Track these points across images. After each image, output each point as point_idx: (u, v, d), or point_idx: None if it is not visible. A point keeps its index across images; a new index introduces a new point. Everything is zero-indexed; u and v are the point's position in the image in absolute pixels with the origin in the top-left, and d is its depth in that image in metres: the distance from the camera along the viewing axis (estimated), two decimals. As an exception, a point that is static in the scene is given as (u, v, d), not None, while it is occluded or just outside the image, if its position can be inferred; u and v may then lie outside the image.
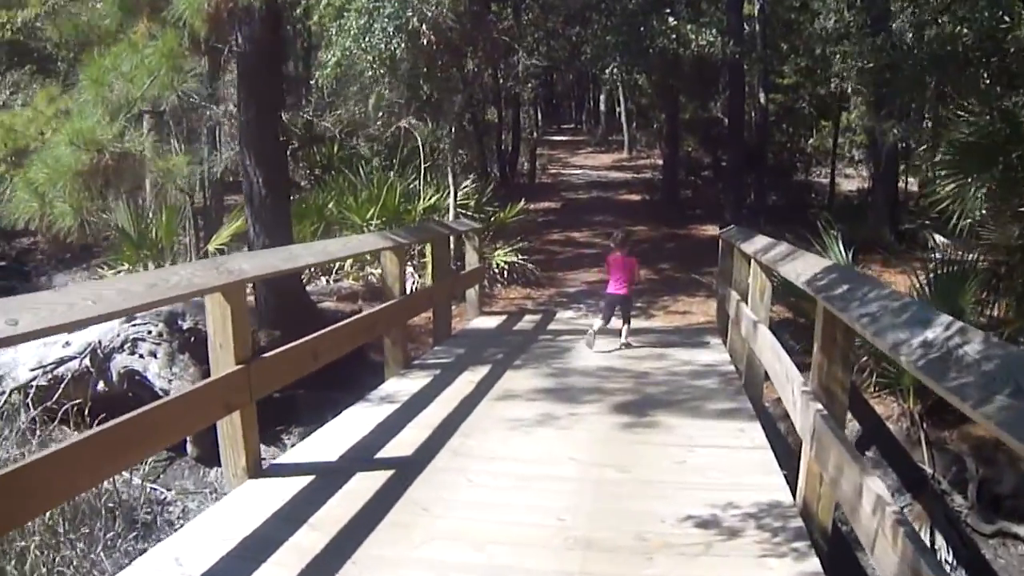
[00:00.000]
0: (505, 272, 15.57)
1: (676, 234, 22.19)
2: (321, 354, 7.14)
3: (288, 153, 25.90)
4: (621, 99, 43.35)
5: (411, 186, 16.19)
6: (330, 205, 15.77)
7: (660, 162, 30.56)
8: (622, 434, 7.14)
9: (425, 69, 13.69)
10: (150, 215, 14.84)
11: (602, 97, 51.47)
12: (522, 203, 17.62)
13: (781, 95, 27.37)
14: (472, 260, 13.28)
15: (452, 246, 13.98)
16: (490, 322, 12.85)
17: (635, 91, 36.12)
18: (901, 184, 22.13)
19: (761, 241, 8.81)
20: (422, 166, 16.10)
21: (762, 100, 25.15)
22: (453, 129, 15.57)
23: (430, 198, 15.61)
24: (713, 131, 27.24)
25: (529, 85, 24.36)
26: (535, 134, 38.98)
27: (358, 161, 19.83)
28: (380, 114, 20.82)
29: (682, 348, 10.86)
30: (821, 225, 13.55)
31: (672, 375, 9.28)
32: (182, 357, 9.97)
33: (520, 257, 15.79)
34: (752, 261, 8.71)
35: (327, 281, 14.42)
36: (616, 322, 11.02)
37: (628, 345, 10.87)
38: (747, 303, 8.99)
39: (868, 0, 20.95)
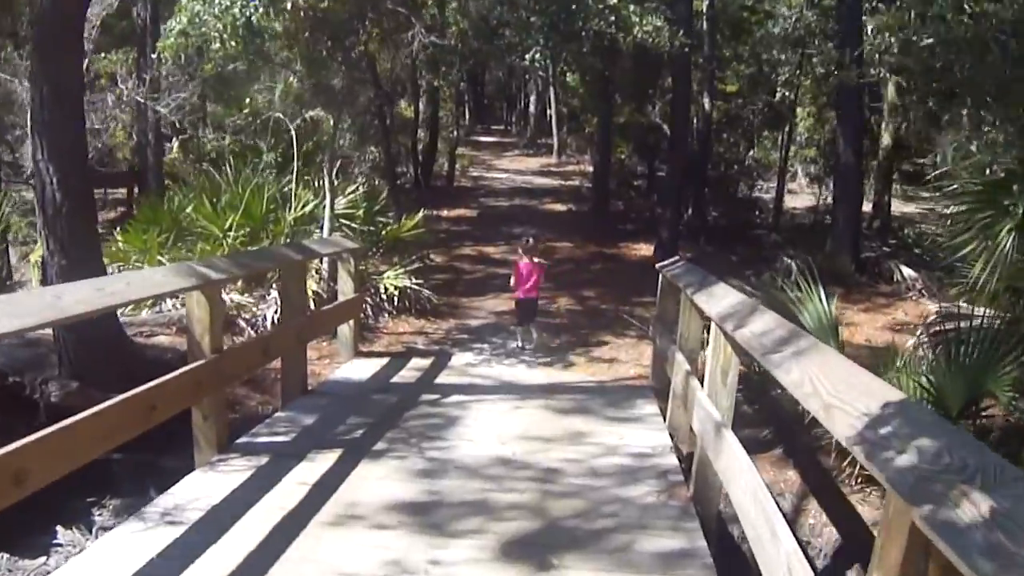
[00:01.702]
0: (395, 299, 12.76)
1: (604, 253, 19.56)
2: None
3: (174, 140, 23.37)
4: (552, 100, 41.09)
5: (287, 189, 13.23)
6: (188, 209, 12.82)
7: (590, 169, 28.07)
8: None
9: (290, 44, 10.90)
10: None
11: (532, 98, 49.26)
12: (420, 214, 14.76)
13: (722, 102, 24.88)
14: (346, 288, 10.48)
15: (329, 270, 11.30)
16: (364, 369, 10.04)
17: (566, 90, 33.81)
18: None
19: (726, 298, 6.22)
20: (295, 165, 13.13)
21: (706, 106, 22.61)
22: (337, 121, 12.62)
23: (303, 205, 12.67)
24: (650, 138, 24.70)
25: (445, 73, 21.62)
26: (456, 132, 36.32)
27: (252, 155, 17.07)
28: (286, 102, 18.30)
29: (607, 421, 8.20)
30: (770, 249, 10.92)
31: (592, 475, 6.57)
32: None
33: (413, 281, 12.98)
34: (713, 328, 6.00)
35: (172, 305, 11.48)
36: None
37: (530, 347, 11.75)
38: (701, 383, 6.28)
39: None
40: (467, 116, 56.70)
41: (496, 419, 8.02)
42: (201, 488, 5.97)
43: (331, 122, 12.39)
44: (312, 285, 11.44)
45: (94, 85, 21.90)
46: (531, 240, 12.48)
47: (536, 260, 12.00)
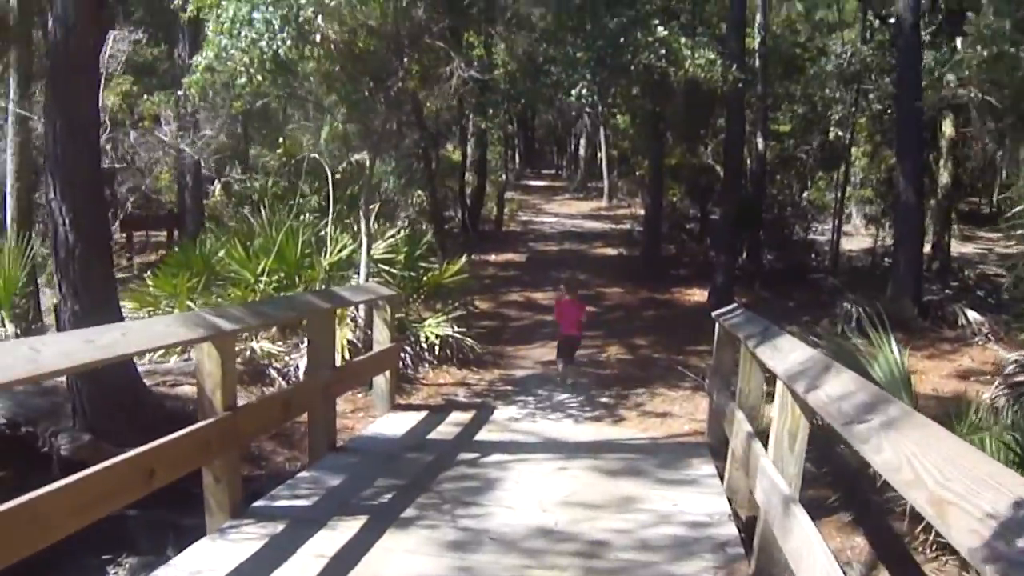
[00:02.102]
0: (436, 348, 12.13)
1: (656, 299, 18.87)
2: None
3: (216, 183, 23.05)
4: (602, 143, 40.59)
5: (324, 233, 12.67)
6: (220, 253, 12.32)
7: (641, 212, 27.36)
8: None
9: (328, 83, 10.39)
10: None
11: (582, 141, 48.71)
12: (464, 258, 14.12)
13: (775, 143, 24.17)
14: (382, 337, 9.87)
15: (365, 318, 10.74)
16: (400, 424, 9.41)
17: (616, 131, 33.22)
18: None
19: (793, 352, 5.55)
20: (331, 208, 12.57)
21: (760, 146, 21.93)
22: (373, 161, 12.04)
23: (340, 250, 12.09)
24: (703, 180, 23.98)
25: (492, 116, 21.14)
26: (505, 175, 35.83)
27: (292, 197, 16.62)
28: (331, 146, 17.87)
29: (659, 484, 7.51)
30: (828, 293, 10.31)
31: (642, 549, 5.88)
32: None
33: (456, 329, 12.35)
34: (780, 387, 5.32)
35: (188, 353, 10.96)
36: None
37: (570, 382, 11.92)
38: (766, 447, 5.58)
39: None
40: (517, 160, 56.47)
41: (538, 481, 7.37)
42: (207, 559, 5.37)
43: (390, 166, 11.84)
44: (347, 334, 10.88)
45: (138, 126, 21.83)
46: (569, 281, 13.36)
47: (576, 299, 12.52)
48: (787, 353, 5.57)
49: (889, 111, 20.71)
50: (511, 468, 7.69)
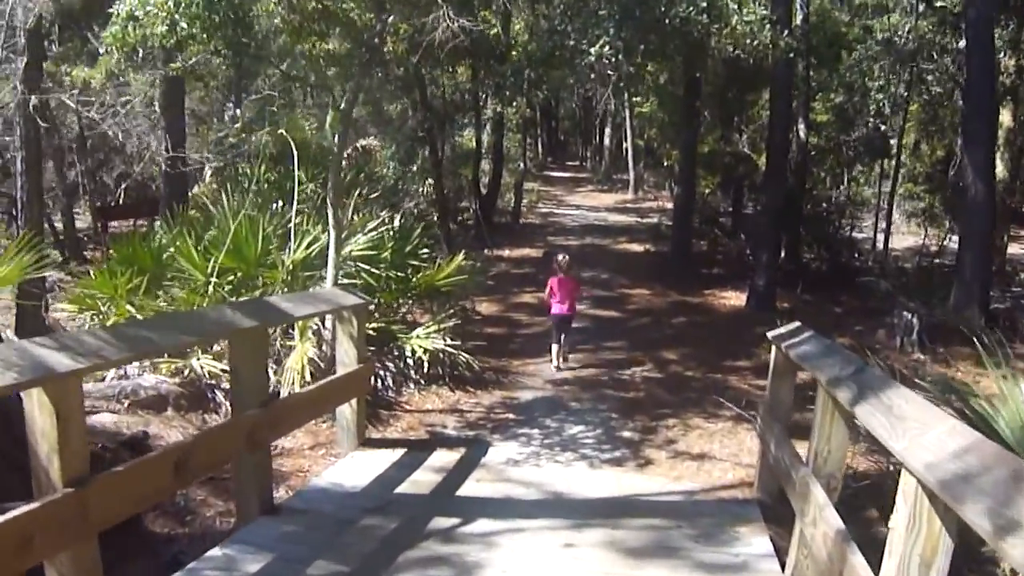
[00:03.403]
0: (425, 365, 10.05)
1: (688, 303, 16.73)
2: None
3: (206, 169, 21.14)
4: (628, 133, 38.69)
5: (296, 224, 10.54)
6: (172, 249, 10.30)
7: (668, 206, 25.31)
8: None
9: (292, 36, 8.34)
10: None
11: (607, 131, 46.69)
12: (461, 256, 11.92)
13: (813, 133, 22.01)
14: (347, 357, 7.80)
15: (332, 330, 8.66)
16: (365, 469, 7.37)
17: (642, 119, 31.30)
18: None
19: (932, 426, 3.53)
20: (294, 196, 10.40)
21: (802, 134, 19.72)
22: (345, 135, 9.81)
23: (308, 244, 9.93)
24: (739, 170, 21.84)
25: (509, 97, 19.17)
26: (523, 164, 33.86)
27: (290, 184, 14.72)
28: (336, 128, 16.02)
29: (698, 570, 5.50)
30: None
31: None
32: None
33: (449, 342, 10.25)
34: (917, 491, 3.27)
35: (126, 373, 8.93)
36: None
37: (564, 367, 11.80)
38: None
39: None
40: (539, 150, 54.91)
41: (535, 568, 5.35)
42: None
43: (333, 136, 9.64)
44: (308, 350, 8.82)
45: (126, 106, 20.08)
46: (565, 260, 12.39)
47: (572, 277, 12.39)
48: (916, 424, 3.54)
49: (952, 95, 18.54)
50: (499, 546, 5.67)
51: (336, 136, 9.47)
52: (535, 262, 20.48)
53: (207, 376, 8.74)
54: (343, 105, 9.19)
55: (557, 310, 11.87)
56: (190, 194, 19.67)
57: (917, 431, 3.49)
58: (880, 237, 22.04)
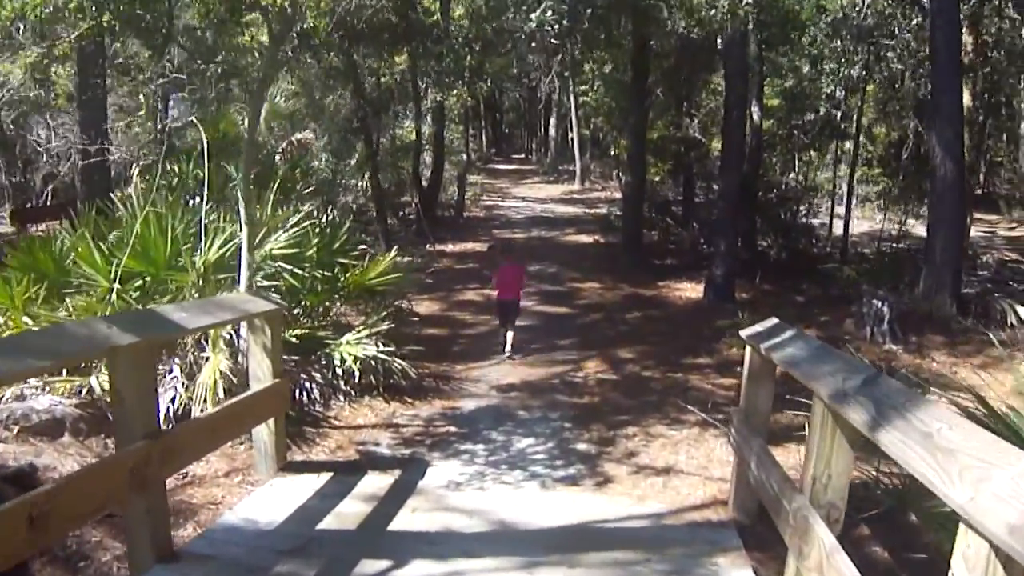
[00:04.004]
0: (357, 374, 9.01)
1: (642, 296, 15.82)
2: None
3: (134, 168, 20.02)
4: (573, 122, 37.99)
5: (210, 222, 9.43)
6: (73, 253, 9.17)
7: (617, 195, 24.49)
8: None
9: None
10: None
11: (552, 120, 46.07)
12: (393, 253, 10.86)
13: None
14: (261, 371, 6.78)
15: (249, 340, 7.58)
16: (284, 500, 6.36)
17: (587, 109, 30.59)
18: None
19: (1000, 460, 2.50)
20: (204, 189, 9.33)
21: (755, 117, 18.87)
22: (255, 117, 8.69)
23: (220, 245, 8.83)
24: (689, 156, 21.01)
25: (449, 84, 18.27)
26: (467, 156, 33.00)
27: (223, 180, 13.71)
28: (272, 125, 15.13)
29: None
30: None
31: None
32: None
33: (381, 348, 9.20)
34: (973, 544, 2.34)
35: (22, 393, 7.85)
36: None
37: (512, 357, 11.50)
38: None
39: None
40: (484, 143, 54.31)
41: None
42: None
43: (245, 120, 8.53)
44: (221, 362, 7.78)
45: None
46: (500, 245, 13.59)
47: (514, 262, 12.63)
48: (975, 462, 2.68)
49: (916, 71, 17.79)
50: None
51: (248, 123, 8.39)
52: (479, 256, 19.51)
53: (103, 395, 7.69)
54: (255, 86, 8.13)
55: (502, 295, 11.94)
56: (117, 194, 18.56)
57: (980, 473, 2.58)
58: (837, 223, 21.35)
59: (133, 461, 4.73)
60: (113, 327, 4.77)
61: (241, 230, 8.02)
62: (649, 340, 12.49)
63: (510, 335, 11.74)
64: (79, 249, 8.88)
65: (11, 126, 22.76)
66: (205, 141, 9.35)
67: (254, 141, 8.39)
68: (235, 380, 7.64)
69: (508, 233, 23.62)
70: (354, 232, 11.27)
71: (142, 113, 19.25)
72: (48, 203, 21.88)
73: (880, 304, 13.00)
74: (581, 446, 8.09)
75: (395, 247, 11.60)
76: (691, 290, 15.97)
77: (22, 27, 8.94)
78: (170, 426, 7.45)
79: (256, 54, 9.86)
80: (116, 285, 8.42)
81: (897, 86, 20.58)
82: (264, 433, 6.89)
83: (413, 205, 23.45)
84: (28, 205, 21.88)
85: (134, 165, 19.84)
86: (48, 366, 4.96)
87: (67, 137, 18.91)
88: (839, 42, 19.75)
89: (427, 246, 19.82)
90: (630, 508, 6.61)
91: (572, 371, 10.87)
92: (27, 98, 21.47)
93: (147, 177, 16.02)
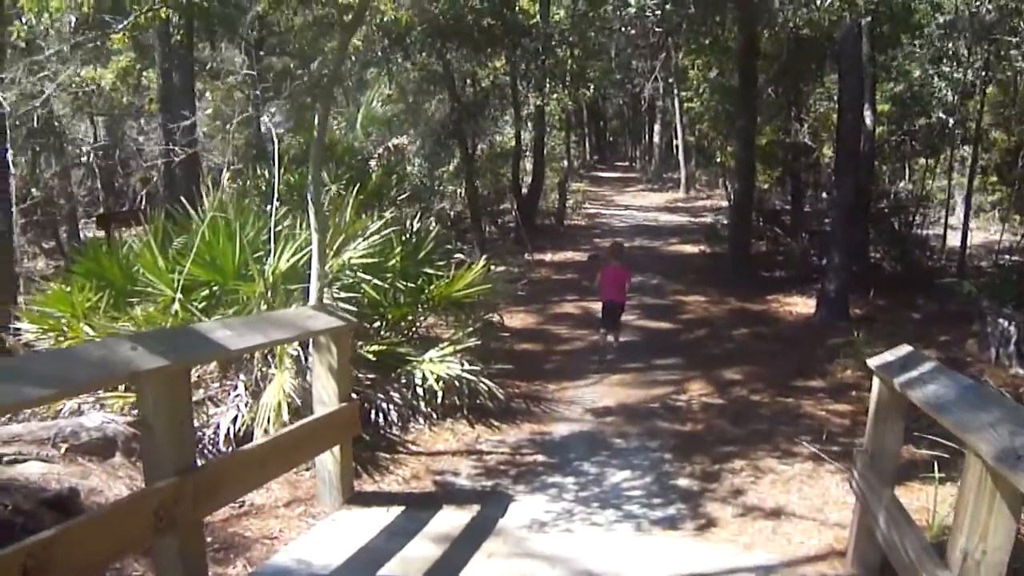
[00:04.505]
0: (439, 395, 8.33)
1: (749, 311, 14.89)
2: None
3: (224, 172, 19.76)
4: (678, 129, 37.17)
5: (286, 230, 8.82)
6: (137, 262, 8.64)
7: (723, 204, 23.60)
8: None
9: None
10: None
11: (656, 127, 45.21)
12: (481, 263, 10.07)
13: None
14: (326, 394, 6.15)
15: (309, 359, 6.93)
16: (347, 538, 5.72)
17: (691, 116, 29.87)
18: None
19: None
20: (274, 197, 8.72)
21: (868, 122, 17.74)
22: (325, 116, 8.05)
23: (288, 255, 8.17)
24: (799, 162, 20.02)
25: (551, 89, 17.62)
26: (568, 162, 32.36)
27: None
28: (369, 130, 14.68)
29: None
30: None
31: None
32: None
33: (467, 367, 8.50)
34: None
35: (78, 407, 7.33)
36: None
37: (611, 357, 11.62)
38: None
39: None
40: (587, 151, 53.91)
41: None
42: None
43: (319, 119, 7.85)
44: (286, 382, 7.15)
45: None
46: (617, 248, 12.95)
47: (621, 266, 12.27)
48: None
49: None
50: None
51: (318, 122, 7.73)
52: (579, 267, 18.78)
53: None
54: (325, 79, 7.53)
55: (606, 296, 11.83)
56: (207, 198, 18.24)
57: None
58: (951, 235, 20.19)
59: (159, 500, 4.10)
60: (139, 348, 4.14)
61: (312, 237, 7.37)
62: (757, 360, 11.59)
63: (611, 339, 11.92)
64: (144, 254, 8.39)
65: (104, 131, 22.76)
66: (276, 143, 8.80)
67: (321, 142, 7.73)
68: (300, 402, 7.01)
69: (609, 242, 22.89)
70: (446, 239, 10.65)
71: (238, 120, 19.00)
72: (138, 208, 21.74)
73: (1007, 323, 11.95)
74: (682, 481, 7.29)
75: (488, 256, 10.87)
76: (802, 304, 15.01)
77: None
78: (230, 448, 6.90)
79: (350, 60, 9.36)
80: (179, 295, 7.87)
81: (1019, 88, 19.32)
82: (329, 462, 6.26)
83: (512, 213, 22.83)
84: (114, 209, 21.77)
85: (224, 170, 19.63)
86: (51, 396, 4.32)
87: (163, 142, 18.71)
88: (951, 44, 18.56)
89: (525, 255, 19.20)
90: (735, 558, 5.80)
91: (674, 393, 10.02)
92: (120, 102, 21.45)
93: (238, 182, 15.72)
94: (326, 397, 6.16)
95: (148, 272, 8.14)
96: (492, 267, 10.65)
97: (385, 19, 7.85)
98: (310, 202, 7.27)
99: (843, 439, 8.36)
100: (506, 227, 22.65)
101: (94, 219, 19.22)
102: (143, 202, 22.59)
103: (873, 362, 5.29)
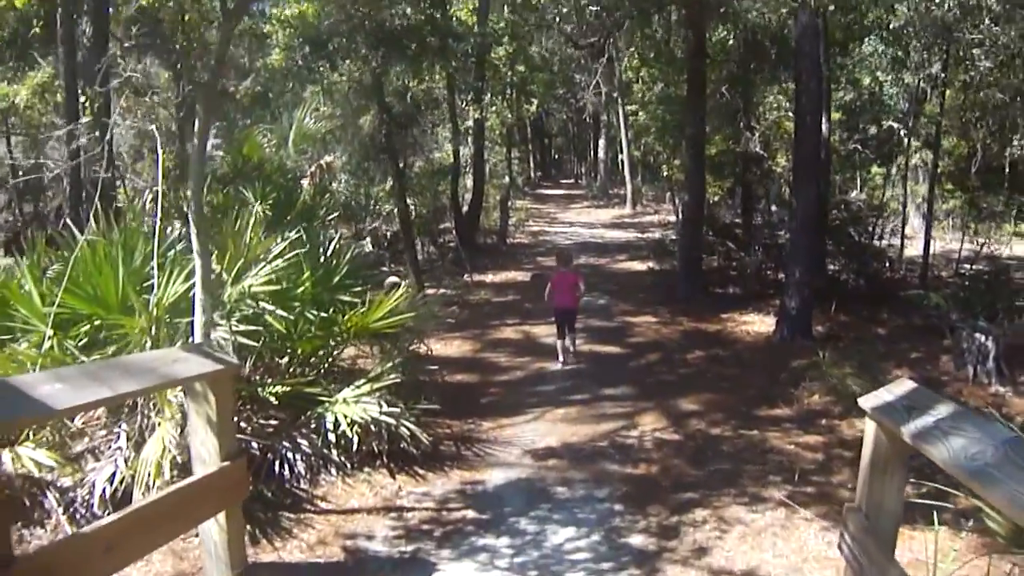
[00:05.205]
0: (355, 440, 7.21)
1: (704, 332, 13.84)
2: None
3: (147, 193, 18.74)
4: (624, 144, 36.50)
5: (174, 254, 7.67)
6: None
7: (670, 219, 22.82)
8: None
9: None
10: None
11: (601, 142, 44.69)
12: (403, 287, 8.95)
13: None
14: (205, 451, 5.02)
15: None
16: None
17: (638, 130, 29.21)
18: None
19: None
20: (157, 215, 7.55)
21: (824, 128, 16.84)
22: (205, 126, 6.84)
23: (179, 283, 6.97)
24: (752, 173, 19.17)
25: (489, 101, 16.69)
26: (509, 178, 31.55)
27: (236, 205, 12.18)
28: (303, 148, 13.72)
29: None
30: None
31: None
32: None
33: (385, 408, 7.38)
34: None
35: None
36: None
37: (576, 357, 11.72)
38: None
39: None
40: (531, 168, 53.58)
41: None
42: None
43: (199, 129, 6.67)
44: (167, 433, 6.03)
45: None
46: (565, 256, 12.81)
47: (573, 271, 12.32)
48: None
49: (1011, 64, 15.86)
50: None
51: (197, 134, 6.60)
52: (521, 287, 17.74)
53: (31, 470, 6.01)
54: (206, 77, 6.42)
55: (559, 303, 11.66)
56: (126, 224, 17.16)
57: None
58: (907, 244, 19.57)
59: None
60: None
61: (195, 264, 6.22)
62: (715, 386, 10.54)
63: (566, 343, 11.69)
64: (11, 284, 7.24)
65: (11, 151, 21.58)
66: (160, 157, 7.69)
67: (203, 150, 6.58)
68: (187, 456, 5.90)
69: (553, 262, 22.00)
70: (377, 261, 9.57)
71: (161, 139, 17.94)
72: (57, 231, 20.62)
73: (983, 338, 11.06)
74: (636, 539, 6.17)
75: (423, 278, 9.78)
76: (759, 323, 14.02)
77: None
78: (106, 512, 5.77)
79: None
80: (50, 331, 6.71)
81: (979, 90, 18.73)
82: (214, 531, 5.14)
83: (454, 231, 21.86)
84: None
85: (146, 192, 18.51)
86: None
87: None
88: (907, 45, 17.83)
89: (464, 276, 18.18)
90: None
91: (624, 429, 8.88)
92: (39, 120, 20.31)
93: (155, 205, 14.54)
94: (206, 455, 5.03)
95: (17, 303, 6.99)
96: (426, 290, 9.57)
97: (286, 12, 6.90)
98: (192, 225, 6.13)
99: (817, 478, 7.38)
100: (446, 247, 21.63)
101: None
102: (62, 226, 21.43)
103: (867, 403, 4.22)
